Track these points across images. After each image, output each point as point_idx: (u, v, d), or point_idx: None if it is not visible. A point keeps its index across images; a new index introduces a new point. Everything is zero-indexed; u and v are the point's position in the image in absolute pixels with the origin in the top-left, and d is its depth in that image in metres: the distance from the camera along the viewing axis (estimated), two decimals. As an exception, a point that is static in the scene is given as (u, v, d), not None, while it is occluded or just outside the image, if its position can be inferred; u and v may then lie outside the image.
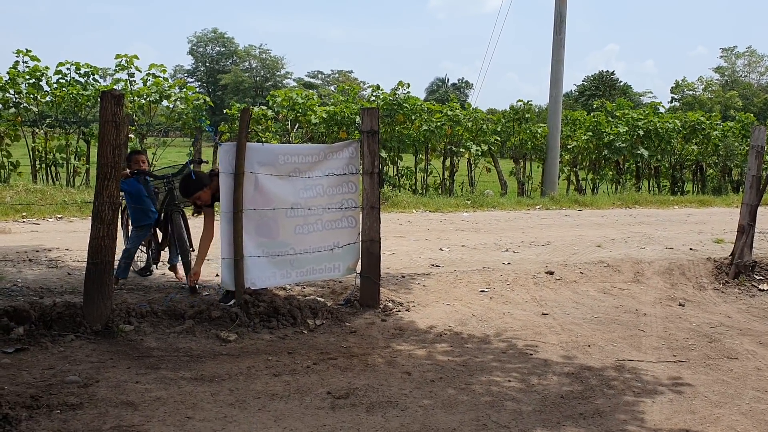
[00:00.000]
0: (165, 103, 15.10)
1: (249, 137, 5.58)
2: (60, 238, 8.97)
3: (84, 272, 5.22)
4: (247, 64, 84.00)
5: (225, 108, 17.39)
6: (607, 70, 74.42)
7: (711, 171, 21.32)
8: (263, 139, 15.50)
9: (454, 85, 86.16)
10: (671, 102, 64.61)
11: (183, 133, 16.03)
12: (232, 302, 5.73)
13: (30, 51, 14.19)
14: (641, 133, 19.28)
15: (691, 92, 65.46)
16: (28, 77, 14.12)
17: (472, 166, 18.02)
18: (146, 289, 6.44)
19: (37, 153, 14.58)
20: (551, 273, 7.59)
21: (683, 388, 4.50)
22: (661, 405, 4.19)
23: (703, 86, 67.08)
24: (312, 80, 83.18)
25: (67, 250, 8.10)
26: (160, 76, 15.09)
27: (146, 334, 5.13)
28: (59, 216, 11.18)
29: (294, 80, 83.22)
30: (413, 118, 16.61)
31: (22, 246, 8.20)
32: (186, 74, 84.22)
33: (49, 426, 3.51)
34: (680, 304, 6.80)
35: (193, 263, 6.29)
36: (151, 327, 5.24)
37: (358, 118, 15.84)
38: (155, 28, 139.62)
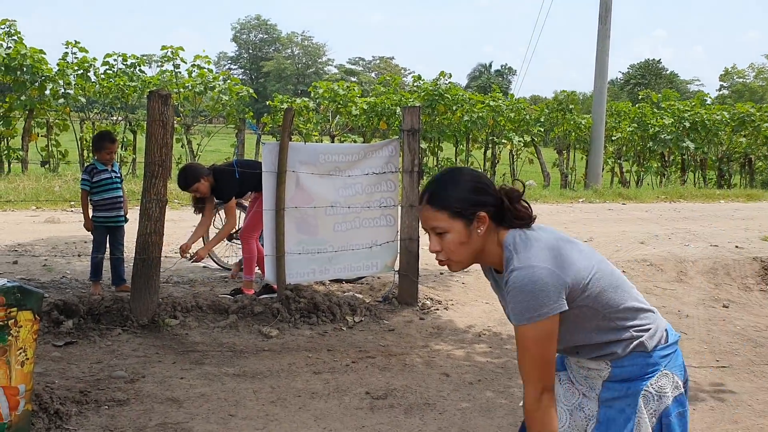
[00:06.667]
0: (210, 94, 15.32)
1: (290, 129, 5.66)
2: (107, 228, 9.19)
3: (130, 265, 5.37)
4: (289, 51, 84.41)
5: (267, 95, 17.56)
6: (654, 59, 72.87)
7: (760, 164, 20.80)
8: (304, 131, 15.63)
9: (497, 71, 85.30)
10: (719, 90, 63.07)
11: (227, 122, 16.25)
12: (267, 296, 5.84)
13: (78, 42, 14.53)
14: (687, 125, 18.92)
15: (741, 80, 63.71)
16: (76, 68, 14.45)
17: (515, 157, 17.91)
18: (192, 283, 6.58)
19: (84, 143, 14.92)
20: (592, 271, 7.51)
21: (725, 395, 4.45)
22: (702, 413, 4.15)
23: (755, 73, 65.21)
24: (353, 67, 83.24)
25: (114, 241, 8.30)
26: (204, 68, 15.31)
27: (191, 328, 5.25)
28: (106, 205, 11.44)
29: (335, 67, 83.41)
30: (454, 108, 16.56)
31: (71, 236, 8.43)
32: (229, 61, 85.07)
33: (98, 422, 3.63)
34: (724, 306, 6.69)
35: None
36: (196, 321, 5.36)
37: (398, 110, 15.85)
38: (199, 15, 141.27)
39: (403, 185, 6.13)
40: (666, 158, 19.44)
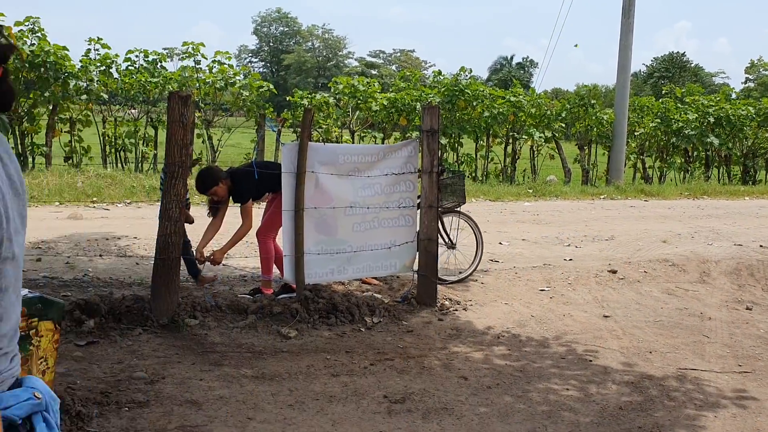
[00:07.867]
0: (230, 89, 15.36)
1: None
2: (129, 225, 9.27)
3: (151, 262, 5.42)
4: (310, 44, 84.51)
5: (288, 88, 17.57)
6: (678, 52, 71.92)
7: (787, 160, 20.44)
8: (324, 126, 15.64)
9: (518, 64, 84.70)
10: (745, 82, 62.11)
11: (248, 117, 16.28)
12: (286, 296, 5.86)
13: (101, 39, 14.62)
14: (712, 120, 18.65)
15: (767, 72, 62.66)
16: (99, 65, 14.55)
17: (535, 152, 17.78)
18: (211, 283, 6.61)
19: (107, 138, 15.05)
20: (614, 272, 7.46)
21: (748, 402, 4.40)
22: (723, 420, 4.10)
23: (781, 66, 64.11)
24: (374, 60, 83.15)
25: (135, 238, 8.36)
26: (225, 63, 15.37)
27: (210, 328, 5.28)
28: (128, 201, 11.54)
29: (356, 60, 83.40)
30: (474, 104, 16.47)
31: (93, 233, 8.51)
32: (250, 54, 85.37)
33: (118, 424, 3.67)
34: (747, 308, 6.60)
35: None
36: (215, 321, 5.40)
37: (418, 105, 15.80)
38: (221, 8, 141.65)
39: (422, 185, 6.11)
40: (689, 154, 19.20)
